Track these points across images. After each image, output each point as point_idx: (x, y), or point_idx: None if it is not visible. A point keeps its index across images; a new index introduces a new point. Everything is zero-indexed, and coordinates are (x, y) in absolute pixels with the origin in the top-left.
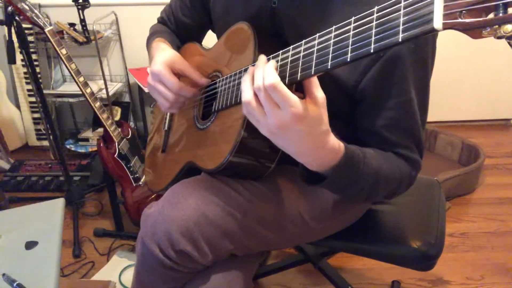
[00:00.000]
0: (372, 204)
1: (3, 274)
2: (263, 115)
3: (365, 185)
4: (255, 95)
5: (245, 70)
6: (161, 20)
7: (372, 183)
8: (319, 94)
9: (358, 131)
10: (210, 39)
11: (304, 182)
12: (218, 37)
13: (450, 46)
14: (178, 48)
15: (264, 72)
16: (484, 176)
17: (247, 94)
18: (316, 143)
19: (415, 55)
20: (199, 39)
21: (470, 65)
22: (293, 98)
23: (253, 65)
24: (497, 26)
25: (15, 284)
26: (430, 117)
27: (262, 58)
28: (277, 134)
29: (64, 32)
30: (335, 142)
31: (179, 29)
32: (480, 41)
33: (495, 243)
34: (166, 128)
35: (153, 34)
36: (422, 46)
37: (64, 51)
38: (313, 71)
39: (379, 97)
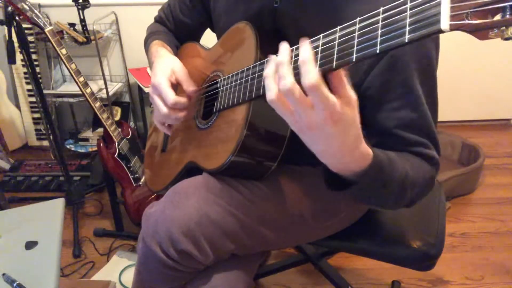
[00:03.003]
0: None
1: (3, 274)
2: (292, 114)
3: (393, 190)
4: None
5: (247, 70)
6: (158, 19)
7: (400, 187)
8: (352, 94)
9: (373, 135)
10: (210, 38)
11: (326, 186)
12: (218, 36)
13: (450, 46)
14: (176, 48)
15: (304, 69)
16: (484, 176)
17: (271, 93)
18: (345, 146)
19: (418, 52)
20: (198, 38)
21: (470, 65)
22: (332, 99)
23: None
24: (504, 27)
25: (15, 284)
26: None
27: (286, 47)
28: (305, 133)
29: (64, 32)
30: (364, 149)
31: (178, 28)
32: (480, 41)
33: (495, 243)
34: None
35: (151, 35)
36: (425, 42)
37: (64, 51)
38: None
39: (386, 97)
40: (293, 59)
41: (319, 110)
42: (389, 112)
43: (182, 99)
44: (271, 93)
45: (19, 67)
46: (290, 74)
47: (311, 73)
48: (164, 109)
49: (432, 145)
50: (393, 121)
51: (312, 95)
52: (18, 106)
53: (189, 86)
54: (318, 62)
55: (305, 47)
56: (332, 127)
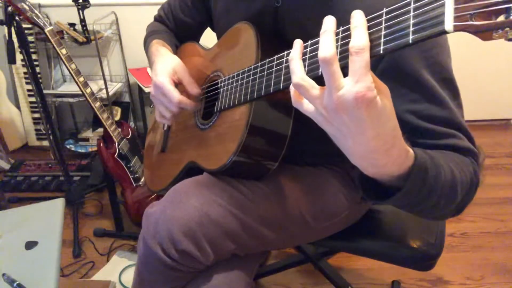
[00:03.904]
0: (372, 204)
1: (3, 274)
2: (318, 97)
3: (442, 194)
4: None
5: (248, 70)
6: (158, 18)
7: (449, 190)
8: (384, 84)
9: None
10: (210, 38)
11: (363, 195)
12: (219, 36)
13: (450, 46)
14: (176, 47)
15: (354, 32)
16: (484, 176)
17: (298, 75)
18: (380, 141)
19: (422, 45)
20: (197, 37)
21: (470, 65)
22: (370, 76)
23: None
24: (508, 28)
25: (15, 284)
26: None
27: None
28: (333, 119)
29: (64, 32)
30: (403, 147)
31: (178, 27)
32: (480, 41)
33: (495, 243)
34: (165, 128)
35: (151, 34)
36: None
37: (64, 51)
38: (320, 72)
39: (398, 92)
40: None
41: (353, 83)
42: (406, 105)
43: (186, 99)
44: (298, 75)
45: (19, 67)
46: (333, 43)
47: (363, 36)
48: (172, 108)
49: (463, 136)
50: (413, 113)
51: (356, 58)
52: (18, 106)
53: (193, 89)
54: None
55: (358, 14)
56: (365, 110)
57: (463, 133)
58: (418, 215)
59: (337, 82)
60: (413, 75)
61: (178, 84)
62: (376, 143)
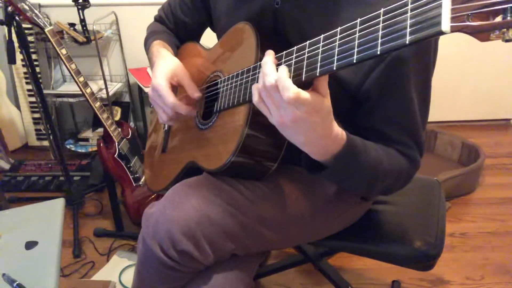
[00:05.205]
0: (372, 204)
1: (3, 274)
2: (277, 108)
3: (365, 176)
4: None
5: (248, 70)
6: (158, 19)
7: (372, 174)
8: (327, 88)
9: (359, 129)
10: (210, 38)
11: (308, 171)
12: (219, 36)
13: (450, 46)
14: (177, 47)
15: (281, 85)
16: (484, 176)
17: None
18: (324, 132)
19: (417, 57)
20: (198, 37)
21: (470, 65)
22: (313, 101)
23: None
24: (505, 29)
25: (15, 284)
26: (430, 117)
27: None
28: (289, 126)
29: (64, 32)
30: (338, 129)
31: (178, 27)
32: (481, 42)
33: (495, 243)
34: (166, 128)
35: (151, 34)
36: (425, 47)
37: (64, 51)
38: (318, 72)
39: (381, 98)
40: (294, 61)
41: (302, 110)
42: (382, 110)
43: (181, 104)
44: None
45: (19, 67)
46: (274, 71)
47: (288, 89)
48: (167, 111)
49: (416, 147)
50: (383, 119)
51: (294, 104)
52: (18, 106)
53: (193, 92)
54: (319, 64)
55: (281, 68)
56: (315, 116)
57: (417, 144)
58: (345, 189)
59: (288, 104)
60: (402, 88)
61: (178, 87)
62: (321, 133)
